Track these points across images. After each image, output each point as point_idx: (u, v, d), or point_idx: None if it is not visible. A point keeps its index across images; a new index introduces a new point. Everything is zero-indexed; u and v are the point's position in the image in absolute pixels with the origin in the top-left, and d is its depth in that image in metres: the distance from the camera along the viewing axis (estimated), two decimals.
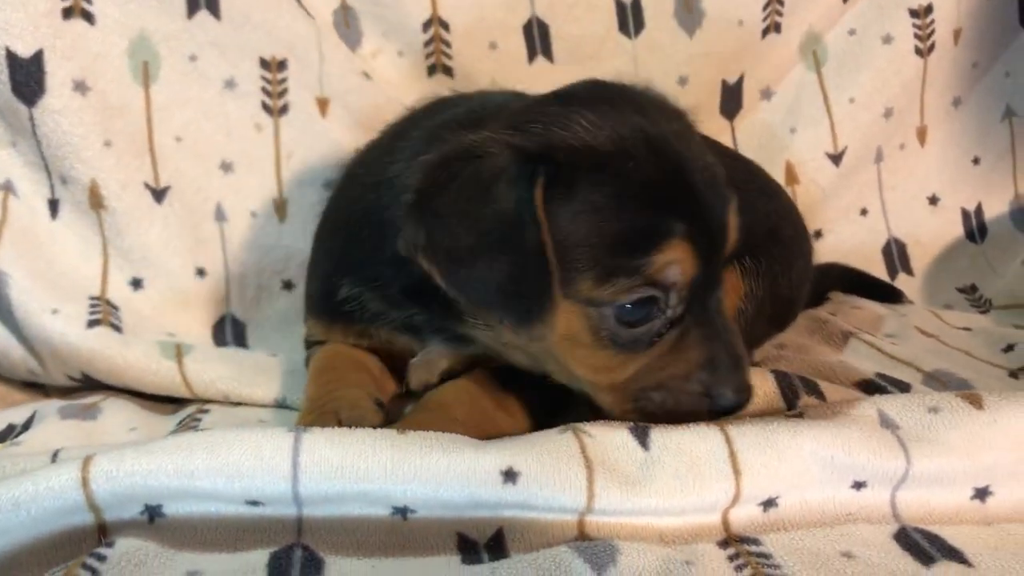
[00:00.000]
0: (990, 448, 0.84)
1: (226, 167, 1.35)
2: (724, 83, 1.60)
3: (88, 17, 1.26)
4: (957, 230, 1.61)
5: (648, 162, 0.83)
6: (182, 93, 1.32)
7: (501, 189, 0.81)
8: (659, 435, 0.84)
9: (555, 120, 0.85)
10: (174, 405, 1.13)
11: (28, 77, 1.21)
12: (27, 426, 1.04)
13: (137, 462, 0.77)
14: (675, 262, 0.83)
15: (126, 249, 1.27)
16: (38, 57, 1.22)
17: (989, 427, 0.85)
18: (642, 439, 0.83)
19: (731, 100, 1.61)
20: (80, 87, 1.25)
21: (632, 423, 0.86)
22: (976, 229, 1.61)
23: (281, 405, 1.11)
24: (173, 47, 1.31)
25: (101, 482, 0.76)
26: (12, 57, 1.20)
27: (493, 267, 0.82)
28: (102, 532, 0.78)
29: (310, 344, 1.11)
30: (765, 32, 1.60)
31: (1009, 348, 1.21)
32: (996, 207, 1.61)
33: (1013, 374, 1.14)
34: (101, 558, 0.73)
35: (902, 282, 1.57)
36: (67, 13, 1.24)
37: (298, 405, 1.10)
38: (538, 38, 1.51)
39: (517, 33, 1.50)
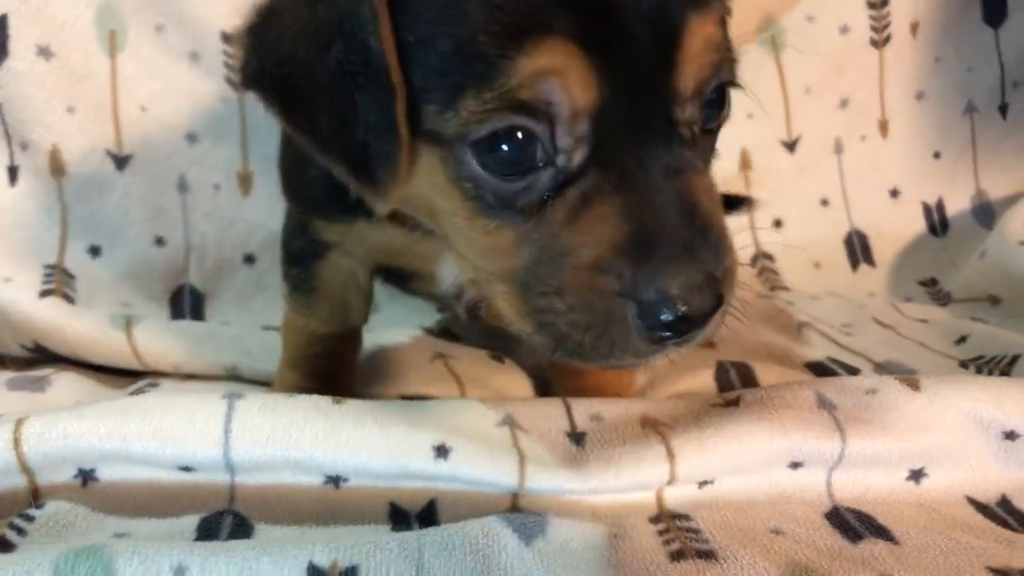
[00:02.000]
0: (926, 430, 0.85)
1: (191, 138, 1.35)
2: None
3: None
4: (919, 223, 1.61)
5: None
6: (150, 63, 1.33)
7: None
8: (595, 438, 0.84)
9: None
10: (127, 378, 1.12)
11: None
12: None
13: (69, 425, 0.77)
14: (550, 74, 0.55)
15: (85, 216, 1.28)
16: (2, 21, 1.23)
17: (925, 409, 0.86)
18: (578, 440, 0.83)
19: None
20: (44, 52, 1.25)
21: (569, 430, 0.84)
22: (938, 223, 1.61)
23: (233, 375, 1.10)
24: (140, 17, 1.31)
25: (33, 444, 0.77)
26: None
27: (329, 91, 0.59)
28: (35, 495, 0.78)
29: (310, 251, 0.90)
30: None
31: (962, 340, 1.21)
32: (957, 201, 1.61)
33: (963, 364, 1.15)
34: (29, 518, 0.74)
35: (864, 273, 1.57)
36: None
37: (251, 374, 1.11)
38: None
39: None
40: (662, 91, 0.57)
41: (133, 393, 1.05)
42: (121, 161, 1.31)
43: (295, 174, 0.87)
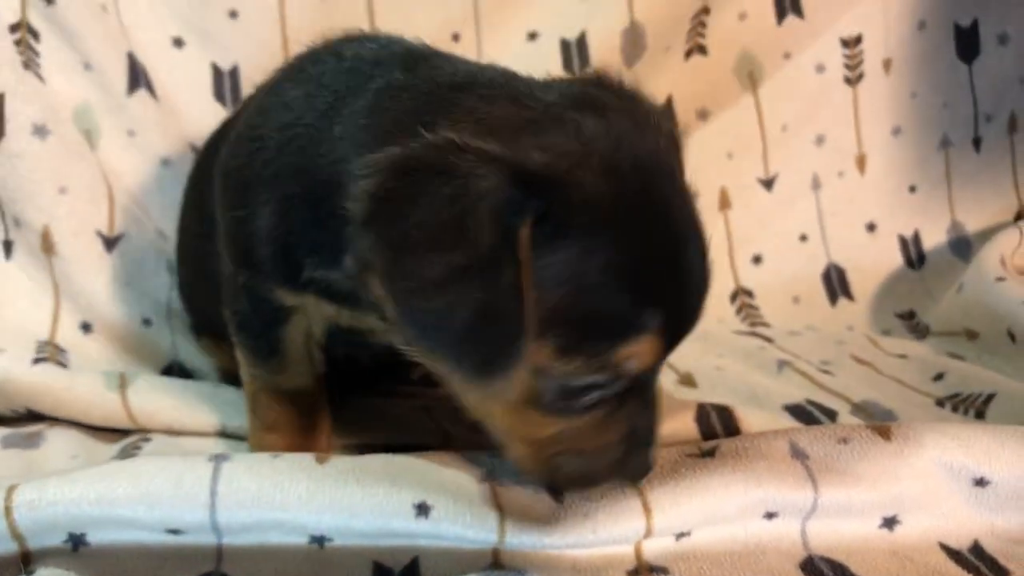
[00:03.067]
0: (897, 478, 0.87)
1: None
2: None
3: (40, 78, 1.29)
4: (895, 256, 1.64)
5: (646, 229, 0.72)
6: (123, 163, 1.36)
7: (482, 218, 0.66)
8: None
9: (557, 137, 0.71)
10: (118, 433, 1.13)
11: None
12: None
13: (59, 491, 0.79)
14: (639, 356, 0.74)
15: (75, 294, 1.28)
16: None
17: (896, 458, 0.88)
18: (556, 496, 0.86)
19: None
20: (40, 131, 1.27)
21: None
22: (915, 256, 1.64)
23: (222, 433, 1.12)
24: (113, 121, 1.35)
25: (24, 511, 0.78)
26: None
27: (459, 307, 0.68)
28: (25, 560, 0.80)
29: (274, 319, 0.94)
30: (688, 54, 1.61)
31: (939, 377, 1.24)
32: (933, 234, 1.64)
33: (940, 402, 1.17)
34: None
35: (843, 307, 1.59)
36: (26, 66, 1.28)
37: (240, 432, 1.12)
38: None
39: None
40: (679, 343, 0.79)
41: (125, 448, 1.07)
42: (110, 243, 1.33)
43: (257, 253, 0.90)
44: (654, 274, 0.72)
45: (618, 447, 0.79)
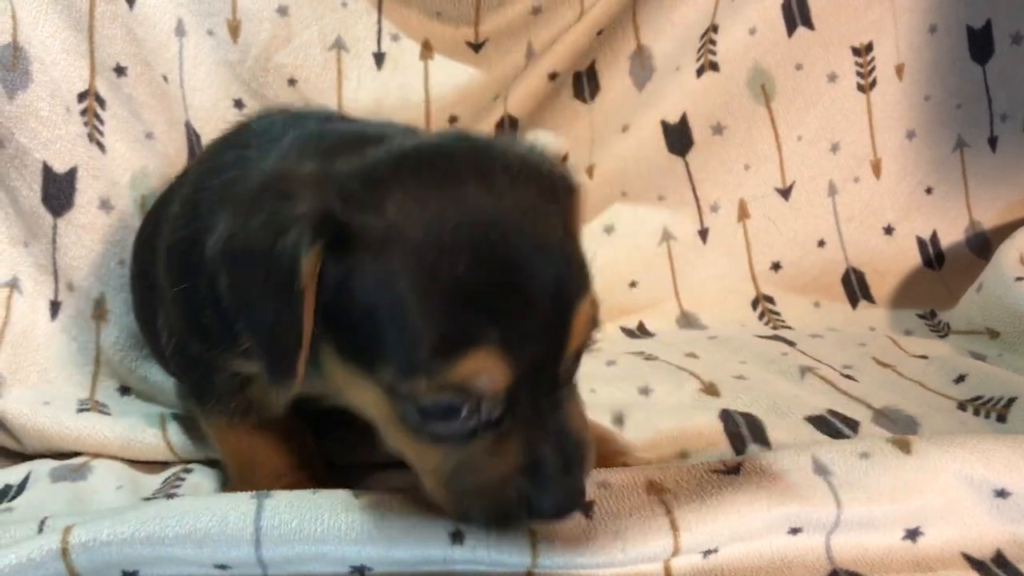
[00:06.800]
0: (918, 492, 0.89)
1: None
2: (664, 123, 1.65)
3: (101, 147, 1.32)
4: (914, 257, 1.65)
5: (466, 255, 0.73)
6: None
7: (288, 240, 0.74)
8: (602, 508, 0.88)
9: (373, 186, 0.77)
10: (161, 464, 1.18)
11: (59, 191, 1.28)
12: (22, 487, 1.09)
13: (113, 532, 0.83)
14: (482, 372, 0.73)
15: (116, 363, 1.31)
16: (71, 174, 1.28)
17: (917, 472, 0.90)
18: (586, 511, 0.88)
19: (678, 138, 1.66)
20: (105, 205, 1.31)
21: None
22: (934, 256, 1.64)
23: None
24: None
25: (80, 552, 0.82)
26: (48, 171, 1.26)
27: (262, 313, 0.77)
28: None
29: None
30: (700, 72, 1.64)
31: (961, 379, 1.24)
32: (951, 234, 1.65)
33: (962, 406, 1.18)
34: None
35: (864, 310, 1.61)
36: (90, 138, 1.31)
37: None
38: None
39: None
40: (555, 364, 0.79)
41: (168, 479, 1.11)
42: None
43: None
44: (484, 295, 0.73)
45: (521, 480, 0.77)
